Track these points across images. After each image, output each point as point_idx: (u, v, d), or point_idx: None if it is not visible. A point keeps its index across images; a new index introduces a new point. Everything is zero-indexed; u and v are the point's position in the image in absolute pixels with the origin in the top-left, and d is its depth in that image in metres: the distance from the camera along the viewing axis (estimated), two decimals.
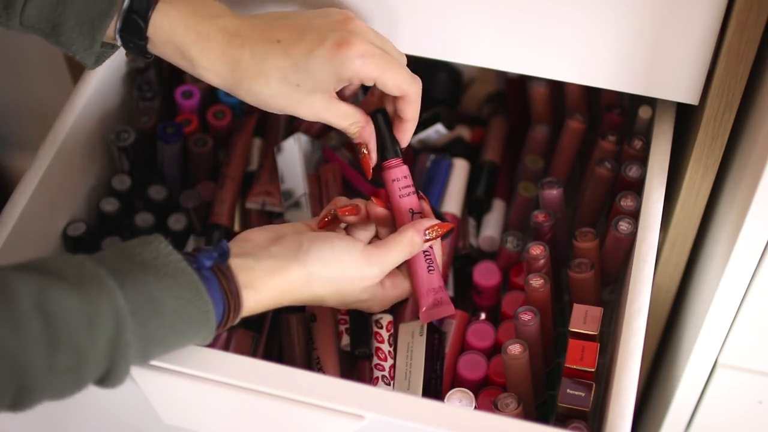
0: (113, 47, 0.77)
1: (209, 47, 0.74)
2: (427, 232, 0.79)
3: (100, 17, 0.73)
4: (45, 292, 0.62)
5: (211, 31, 0.74)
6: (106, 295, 0.64)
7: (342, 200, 0.81)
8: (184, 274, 0.68)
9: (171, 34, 0.74)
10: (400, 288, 0.81)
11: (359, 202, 0.81)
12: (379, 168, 0.81)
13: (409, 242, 0.78)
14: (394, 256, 0.78)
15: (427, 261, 0.80)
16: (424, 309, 0.81)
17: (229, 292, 0.71)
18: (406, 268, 0.81)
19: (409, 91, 0.77)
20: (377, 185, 0.85)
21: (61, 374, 0.63)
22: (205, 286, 0.69)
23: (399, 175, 0.80)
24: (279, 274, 0.73)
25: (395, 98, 0.78)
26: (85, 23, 0.73)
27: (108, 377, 0.66)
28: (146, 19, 0.74)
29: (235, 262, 0.72)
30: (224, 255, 0.71)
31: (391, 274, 0.80)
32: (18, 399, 0.62)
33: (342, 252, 0.76)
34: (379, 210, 0.80)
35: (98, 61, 0.77)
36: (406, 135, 0.80)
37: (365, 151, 0.79)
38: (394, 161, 0.80)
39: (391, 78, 0.75)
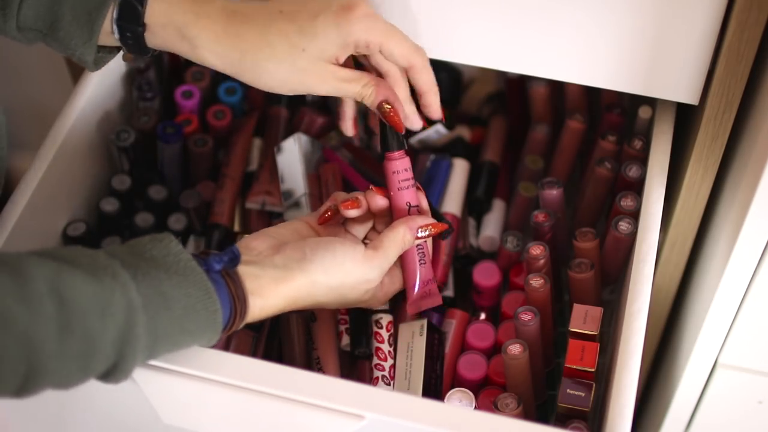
0: (111, 51, 0.77)
1: (209, 26, 0.73)
2: (420, 230, 0.79)
3: (98, 7, 0.73)
4: (61, 276, 0.63)
5: (210, 11, 0.74)
6: (120, 286, 0.64)
7: (341, 195, 0.81)
8: (194, 274, 0.68)
9: (169, 17, 0.73)
10: (397, 282, 0.82)
11: (359, 194, 0.80)
12: (382, 158, 0.80)
13: (401, 239, 0.78)
14: (390, 255, 0.78)
15: (420, 254, 0.81)
16: (410, 301, 0.82)
17: (236, 297, 0.71)
18: (399, 260, 0.81)
19: (415, 60, 0.77)
20: (377, 184, 0.85)
21: (70, 360, 0.63)
22: (214, 288, 0.69)
23: (400, 167, 0.80)
24: (284, 283, 0.74)
25: (406, 71, 0.78)
26: (82, 15, 0.73)
27: (114, 371, 0.66)
28: (143, 4, 0.73)
29: (241, 269, 0.72)
30: (234, 260, 0.71)
31: (393, 269, 0.81)
32: (26, 382, 0.62)
33: (344, 258, 0.76)
34: (379, 200, 0.80)
35: (98, 62, 0.77)
36: (431, 108, 0.80)
37: (388, 107, 0.77)
38: (397, 153, 0.80)
39: (397, 45, 0.75)
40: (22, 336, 0.61)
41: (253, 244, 0.76)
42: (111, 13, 0.74)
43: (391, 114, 0.77)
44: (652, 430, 1.08)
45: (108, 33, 0.75)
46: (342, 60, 0.75)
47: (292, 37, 0.73)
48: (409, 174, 0.80)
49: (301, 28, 0.73)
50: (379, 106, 0.77)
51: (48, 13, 0.73)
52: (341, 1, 0.73)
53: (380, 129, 0.80)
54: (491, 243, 0.98)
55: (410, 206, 0.80)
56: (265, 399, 0.72)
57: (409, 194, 0.80)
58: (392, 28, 0.75)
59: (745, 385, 0.95)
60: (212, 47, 0.74)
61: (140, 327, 0.65)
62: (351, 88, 0.76)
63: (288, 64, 0.74)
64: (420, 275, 0.81)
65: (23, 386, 0.63)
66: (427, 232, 0.79)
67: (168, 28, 0.74)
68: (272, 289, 0.73)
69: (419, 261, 0.81)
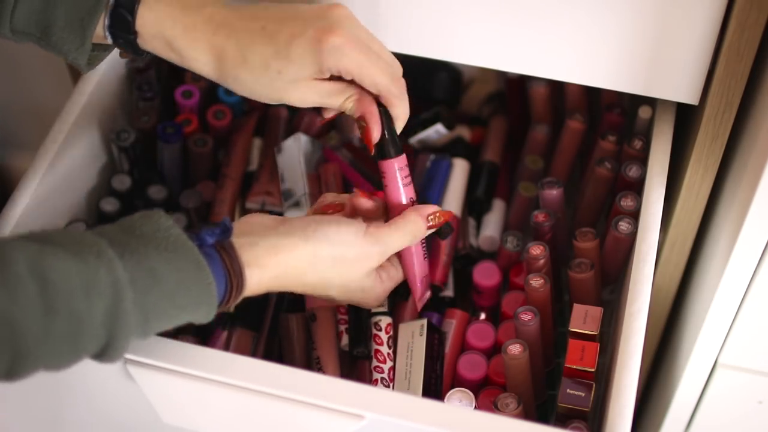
0: (106, 49, 0.77)
1: (196, 38, 0.74)
2: (430, 217, 0.79)
3: (89, 14, 0.73)
4: (42, 258, 0.62)
5: (197, 22, 0.74)
6: (105, 263, 0.64)
7: (330, 196, 0.82)
8: (185, 248, 0.67)
9: (159, 28, 0.74)
10: (394, 279, 0.81)
11: (345, 197, 0.81)
12: (378, 161, 0.80)
13: (413, 223, 0.78)
14: (398, 238, 0.78)
15: (423, 249, 0.81)
16: (419, 297, 0.82)
17: (231, 270, 0.70)
18: (400, 256, 0.81)
19: (392, 90, 0.76)
20: (379, 186, 0.85)
21: (57, 340, 0.62)
22: (206, 262, 0.68)
23: (402, 163, 0.80)
24: (285, 251, 0.73)
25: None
26: (75, 21, 0.73)
27: (107, 349, 0.65)
28: (133, 14, 0.74)
29: (238, 241, 0.72)
30: (226, 231, 0.71)
31: (385, 265, 0.80)
32: (13, 366, 0.62)
33: (348, 232, 0.76)
34: (363, 202, 0.80)
35: (91, 63, 0.77)
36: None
37: (364, 124, 0.77)
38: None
39: (369, 74, 0.75)
40: (4, 320, 0.60)
41: (256, 218, 0.76)
42: (103, 21, 0.74)
43: (365, 134, 0.77)
44: (652, 430, 1.08)
45: (100, 36, 0.75)
46: (324, 76, 0.75)
47: (268, 59, 0.73)
48: (408, 170, 0.80)
49: (277, 51, 0.73)
50: (357, 121, 0.78)
51: (41, 17, 0.73)
52: (318, 26, 0.73)
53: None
54: (491, 243, 0.98)
55: (413, 202, 0.81)
56: (265, 399, 0.72)
57: (411, 190, 0.80)
58: (367, 58, 0.74)
59: (745, 385, 0.95)
60: (199, 58, 0.75)
61: (128, 303, 0.64)
62: (333, 101, 0.76)
63: (265, 83, 0.74)
64: (423, 271, 0.82)
65: (11, 370, 0.62)
66: (436, 220, 0.79)
67: (157, 38, 0.75)
68: (271, 257, 0.72)
69: (424, 255, 0.82)
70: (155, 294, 0.66)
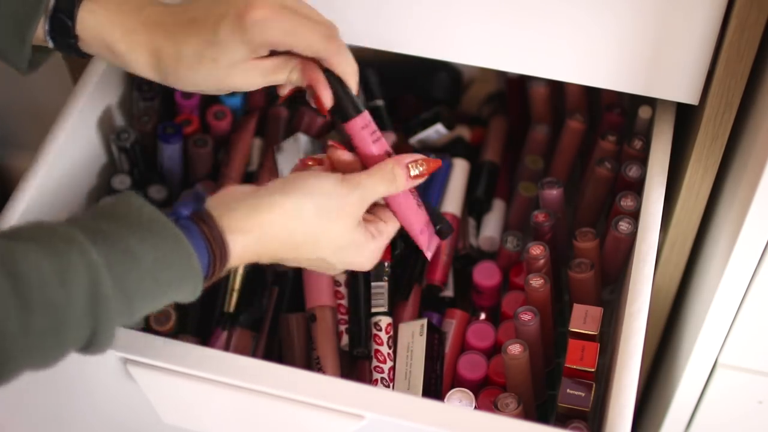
0: (49, 52, 0.77)
1: (135, 42, 0.74)
2: (411, 165, 0.75)
3: (27, 19, 0.73)
4: (11, 253, 0.60)
5: (136, 25, 0.74)
6: (78, 250, 0.62)
7: (308, 159, 0.79)
8: (159, 224, 0.66)
9: (98, 32, 0.74)
10: (385, 233, 0.78)
11: (323, 156, 0.78)
12: (342, 125, 0.78)
13: (389, 171, 0.75)
14: (376, 183, 0.74)
15: (415, 197, 0.78)
16: (425, 246, 0.79)
17: (212, 239, 0.68)
18: (393, 210, 0.78)
19: (327, 50, 0.74)
20: None
21: (39, 336, 0.60)
22: (184, 235, 0.66)
23: (365, 122, 0.77)
24: (266, 211, 0.70)
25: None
26: (14, 26, 0.73)
27: (94, 339, 0.63)
28: (73, 18, 0.73)
29: (216, 210, 0.70)
30: (199, 199, 0.69)
31: (373, 219, 0.77)
32: None
33: (326, 181, 0.73)
34: (340, 154, 0.77)
35: (33, 65, 0.77)
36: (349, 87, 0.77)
37: (312, 92, 0.76)
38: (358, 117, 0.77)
39: (301, 39, 0.73)
40: None
41: (230, 189, 0.73)
42: (43, 26, 0.74)
43: (316, 100, 0.76)
44: (652, 430, 1.08)
45: (41, 40, 0.75)
46: (264, 54, 0.74)
47: (201, 49, 0.73)
48: (374, 125, 0.77)
49: (207, 40, 0.73)
50: (306, 91, 0.76)
51: None
52: (239, 4, 0.72)
53: (335, 99, 0.76)
54: (491, 243, 0.98)
55: (390, 154, 0.77)
56: (265, 399, 0.72)
57: (383, 145, 0.77)
58: (295, 24, 0.73)
59: (745, 385, 0.95)
60: (139, 60, 0.75)
61: (106, 287, 0.62)
62: (278, 77, 0.75)
63: (205, 75, 0.74)
64: (421, 218, 0.78)
65: None
66: (419, 169, 0.76)
67: (98, 41, 0.75)
68: (252, 219, 0.70)
69: (417, 203, 0.78)
70: (135, 274, 0.64)
